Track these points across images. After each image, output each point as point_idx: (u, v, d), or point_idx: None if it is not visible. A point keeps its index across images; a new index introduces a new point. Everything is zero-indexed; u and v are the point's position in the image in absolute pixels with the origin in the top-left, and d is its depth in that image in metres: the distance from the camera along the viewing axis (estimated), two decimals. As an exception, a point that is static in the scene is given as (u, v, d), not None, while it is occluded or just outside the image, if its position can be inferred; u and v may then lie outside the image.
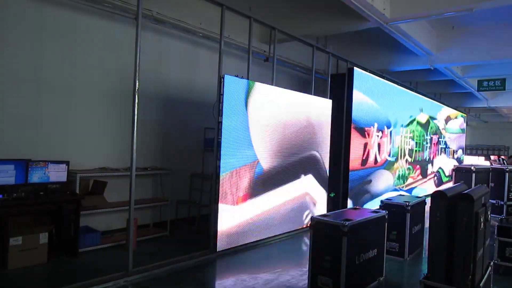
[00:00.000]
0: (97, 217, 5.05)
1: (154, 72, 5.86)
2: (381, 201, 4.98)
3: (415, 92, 10.03)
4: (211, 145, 6.32)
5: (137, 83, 3.88)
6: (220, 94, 4.70)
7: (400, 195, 5.64)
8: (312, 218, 3.61)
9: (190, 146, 6.47)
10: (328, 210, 6.77)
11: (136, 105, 3.85)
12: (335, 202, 7.17)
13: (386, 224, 4.05)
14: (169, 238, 5.44)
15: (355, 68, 7.26)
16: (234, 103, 4.83)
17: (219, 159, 4.68)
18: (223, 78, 4.68)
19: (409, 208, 4.78)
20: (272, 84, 5.61)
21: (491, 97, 13.00)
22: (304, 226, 6.17)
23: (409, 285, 4.22)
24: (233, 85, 4.82)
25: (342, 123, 7.22)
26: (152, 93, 5.84)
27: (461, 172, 6.88)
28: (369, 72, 7.72)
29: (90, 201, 4.66)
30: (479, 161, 20.76)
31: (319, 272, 3.52)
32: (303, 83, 8.49)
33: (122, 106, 5.25)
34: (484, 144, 20.47)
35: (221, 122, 4.66)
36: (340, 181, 7.20)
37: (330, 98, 6.86)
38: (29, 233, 4.06)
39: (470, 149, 20.46)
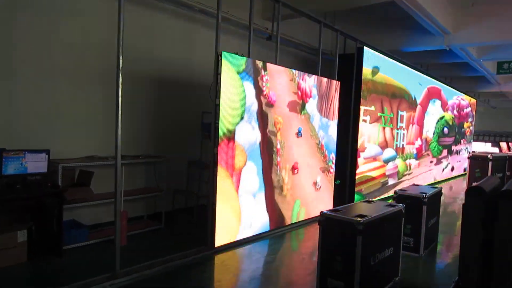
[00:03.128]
0: (84, 210, 4.62)
1: (146, 51, 5.34)
2: (395, 192, 4.54)
3: (426, 75, 9.47)
4: (209, 130, 5.89)
5: (120, 60, 3.39)
6: (217, 74, 4.20)
7: (414, 184, 5.18)
8: (321, 214, 3.18)
9: (187, 132, 6.00)
10: (334, 199, 6.36)
11: (120, 85, 3.37)
12: (340, 190, 6.74)
13: (403, 219, 3.62)
14: (164, 232, 5.03)
15: (365, 47, 6.71)
16: (233, 84, 4.34)
17: (217, 146, 4.21)
18: (221, 55, 4.17)
19: (425, 200, 4.34)
20: (276, 64, 5.10)
21: (504, 82, 12.39)
22: (313, 217, 5.78)
23: (427, 285, 3.82)
24: (232, 64, 4.32)
25: (350, 106, 6.73)
26: (144, 74, 5.34)
27: (476, 160, 6.42)
28: (379, 53, 7.16)
29: (74, 193, 4.23)
30: (485, 147, 20.28)
31: (329, 274, 3.11)
32: (307, 63, 7.94)
33: (111, 88, 4.71)
34: (491, 130, 19.89)
35: (219, 104, 4.18)
36: (347, 167, 6.75)
37: (338, 80, 6.33)
38: (5, 231, 3.64)
39: (476, 135, 19.90)
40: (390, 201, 4.32)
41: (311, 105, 5.69)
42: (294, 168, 5.40)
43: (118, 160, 3.51)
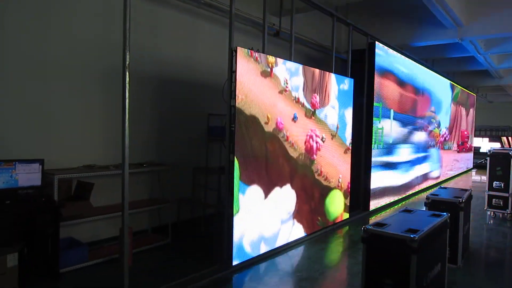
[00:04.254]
0: (82, 225, 4.14)
1: (147, 49, 4.86)
2: (427, 197, 4.16)
3: (431, 71, 9.18)
4: (216, 134, 5.45)
5: (127, 57, 2.92)
6: (231, 72, 3.76)
7: (441, 187, 4.82)
8: (365, 230, 2.76)
9: (192, 136, 5.54)
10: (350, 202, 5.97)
11: (127, 85, 2.90)
12: (354, 192, 6.36)
13: (448, 229, 3.24)
14: (171, 247, 4.56)
15: (376, 43, 6.35)
16: (249, 82, 3.90)
17: (233, 153, 3.77)
18: (235, 51, 3.73)
19: (462, 205, 3.98)
20: (291, 60, 4.68)
21: (506, 75, 12.21)
22: (337, 221, 5.39)
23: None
24: (248, 60, 3.88)
25: (363, 104, 6.37)
26: (145, 74, 4.86)
27: (497, 158, 6.11)
28: (389, 48, 6.81)
29: (72, 208, 3.74)
30: (483, 143, 20.19)
31: (376, 299, 2.70)
32: (314, 61, 7.55)
33: (111, 90, 4.28)
34: (487, 125, 19.80)
35: (234, 106, 3.74)
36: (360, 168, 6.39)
37: (350, 77, 5.95)
38: (-8, 256, 3.13)
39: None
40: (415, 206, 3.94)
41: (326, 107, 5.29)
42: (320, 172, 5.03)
43: (126, 169, 3.04)
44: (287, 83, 4.46)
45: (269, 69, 4.16)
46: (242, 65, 3.77)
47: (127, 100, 2.95)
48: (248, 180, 3.94)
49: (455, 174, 12.02)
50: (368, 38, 6.41)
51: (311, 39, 7.16)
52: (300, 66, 4.72)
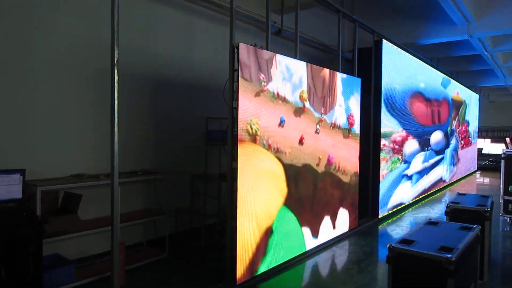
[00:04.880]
0: (69, 240, 3.75)
1: (139, 48, 4.51)
2: (448, 206, 3.81)
3: (437, 70, 8.88)
4: (215, 139, 5.11)
5: (116, 53, 2.57)
6: (233, 70, 3.41)
7: (459, 193, 4.47)
8: (391, 248, 2.41)
9: (190, 141, 5.18)
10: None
11: (116, 84, 2.55)
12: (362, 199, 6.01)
13: (479, 244, 2.89)
14: (169, 262, 4.19)
15: (383, 41, 6.04)
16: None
17: (236, 160, 3.41)
18: (237, 47, 3.38)
19: (487, 214, 3.64)
20: (296, 58, 4.34)
21: (511, 74, 11.94)
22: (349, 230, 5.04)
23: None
24: (250, 57, 3.53)
25: (370, 106, 6.04)
26: (138, 75, 4.51)
27: (512, 160, 5.80)
28: (397, 46, 6.51)
29: (58, 223, 3.37)
30: (485, 144, 19.84)
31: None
32: (317, 61, 7.21)
33: (101, 92, 3.92)
34: (489, 125, 19.49)
35: (237, 108, 3.38)
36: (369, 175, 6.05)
37: (357, 76, 5.61)
38: (-35, 280, 2.76)
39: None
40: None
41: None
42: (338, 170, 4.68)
43: (115, 180, 2.70)
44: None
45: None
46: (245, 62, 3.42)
47: (116, 101, 2.60)
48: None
49: (461, 177, 11.70)
50: (375, 35, 6.09)
51: (313, 38, 6.83)
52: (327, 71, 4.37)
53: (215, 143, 5.10)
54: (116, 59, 2.53)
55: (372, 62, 6.08)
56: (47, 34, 3.65)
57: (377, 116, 6.10)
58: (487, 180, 12.06)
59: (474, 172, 13.82)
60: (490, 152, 18.29)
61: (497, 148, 17.88)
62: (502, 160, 5.95)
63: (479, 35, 6.75)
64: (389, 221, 6.37)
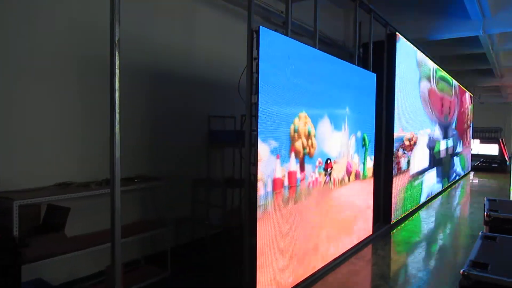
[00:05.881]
0: (54, 263, 3.15)
1: (134, 37, 3.93)
2: (488, 215, 3.40)
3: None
4: (219, 140, 4.59)
5: (116, 30, 2.01)
6: (252, 59, 2.89)
7: (490, 199, 4.08)
8: (465, 275, 1.95)
9: (190, 143, 4.63)
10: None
11: (116, 70, 2.00)
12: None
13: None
14: (172, 281, 3.63)
15: (398, 34, 5.63)
16: (275, 73, 3.05)
17: (255, 164, 2.89)
18: (258, 32, 2.86)
19: (533, 223, 3.24)
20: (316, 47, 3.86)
21: (506, 74, 11.81)
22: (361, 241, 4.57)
23: None
24: (272, 45, 3.02)
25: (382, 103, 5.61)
26: (134, 69, 3.92)
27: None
28: (410, 43, 6.12)
29: (40, 245, 2.77)
30: (474, 144, 19.86)
31: None
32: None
33: (90, 83, 3.35)
34: (478, 126, 19.53)
35: (256, 103, 2.87)
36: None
37: (372, 71, 5.18)
38: None
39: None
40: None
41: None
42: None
43: (117, 189, 2.14)
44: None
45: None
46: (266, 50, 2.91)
47: (117, 93, 2.06)
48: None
49: (459, 178, 11.50)
50: (388, 28, 5.67)
51: (320, 32, 6.36)
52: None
53: (218, 144, 4.59)
54: (117, 38, 1.98)
55: (384, 57, 5.65)
56: (26, 22, 3.04)
57: (390, 116, 5.69)
58: (485, 181, 11.88)
59: (468, 173, 13.70)
60: (479, 153, 18.37)
61: (487, 149, 17.98)
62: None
63: (494, 31, 6.45)
64: (402, 225, 5.98)
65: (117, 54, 1.99)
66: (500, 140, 16.78)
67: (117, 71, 2.00)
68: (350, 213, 4.47)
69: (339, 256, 4.17)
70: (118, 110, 2.06)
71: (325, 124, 3.82)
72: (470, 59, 10.11)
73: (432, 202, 7.94)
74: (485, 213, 3.44)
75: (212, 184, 4.56)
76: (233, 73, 4.94)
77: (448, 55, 9.45)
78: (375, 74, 5.12)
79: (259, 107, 2.86)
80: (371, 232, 5.05)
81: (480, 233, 2.69)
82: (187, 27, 4.60)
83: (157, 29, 4.19)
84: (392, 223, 5.78)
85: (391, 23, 5.59)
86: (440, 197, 8.54)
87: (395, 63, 5.63)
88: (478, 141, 19.57)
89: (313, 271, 3.66)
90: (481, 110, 18.82)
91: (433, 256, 4.73)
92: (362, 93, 4.74)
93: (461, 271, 1.97)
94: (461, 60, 10.46)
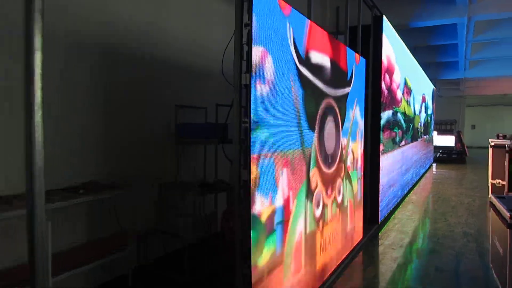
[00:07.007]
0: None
1: (90, 7, 3.04)
2: (510, 217, 2.96)
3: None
4: (189, 135, 3.82)
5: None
6: (242, 25, 2.15)
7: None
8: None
9: (153, 139, 3.80)
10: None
11: (36, 37, 1.17)
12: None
13: None
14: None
15: (384, 18, 5.14)
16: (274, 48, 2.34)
17: (249, 166, 2.16)
18: (250, -7, 2.12)
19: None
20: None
21: (472, 67, 12.03)
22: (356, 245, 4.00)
23: None
24: (268, 15, 2.30)
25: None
26: (80, 42, 3.03)
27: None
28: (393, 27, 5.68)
29: None
30: (435, 137, 20.47)
31: None
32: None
33: (11, 70, 2.43)
34: (435, 119, 20.15)
35: (249, 85, 2.14)
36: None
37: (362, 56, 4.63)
38: None
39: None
40: None
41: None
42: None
43: (39, 207, 1.34)
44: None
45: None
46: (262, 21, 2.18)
47: (38, 70, 1.24)
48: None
49: (425, 171, 11.48)
50: (374, 11, 5.16)
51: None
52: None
53: (189, 139, 3.81)
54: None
55: (370, 41, 5.15)
56: None
57: (376, 104, 5.21)
58: (453, 173, 11.92)
59: (431, 164, 13.90)
60: (437, 144, 18.93)
61: (445, 141, 18.58)
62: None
63: (479, 18, 6.19)
64: (388, 226, 5.56)
65: (39, 19, 1.17)
66: (459, 132, 17.37)
67: (37, 38, 1.19)
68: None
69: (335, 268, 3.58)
70: (40, 95, 1.25)
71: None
72: (436, 50, 10.06)
73: (406, 198, 7.69)
74: (509, 215, 2.99)
75: (185, 188, 3.78)
76: (207, 55, 4.19)
77: (419, 45, 9.27)
78: (365, 60, 4.58)
79: (252, 90, 2.14)
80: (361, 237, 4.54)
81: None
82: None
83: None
84: (379, 223, 5.34)
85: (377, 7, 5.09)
86: (410, 192, 8.35)
87: (381, 48, 5.15)
88: (435, 133, 20.32)
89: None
90: (439, 103, 19.45)
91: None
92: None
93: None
94: (427, 51, 10.38)
